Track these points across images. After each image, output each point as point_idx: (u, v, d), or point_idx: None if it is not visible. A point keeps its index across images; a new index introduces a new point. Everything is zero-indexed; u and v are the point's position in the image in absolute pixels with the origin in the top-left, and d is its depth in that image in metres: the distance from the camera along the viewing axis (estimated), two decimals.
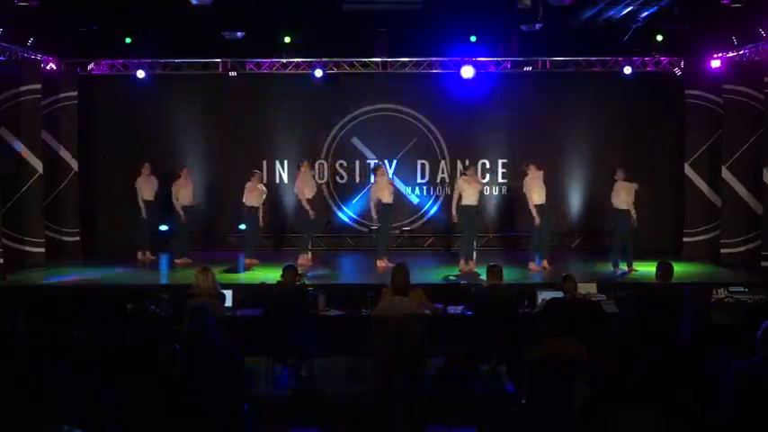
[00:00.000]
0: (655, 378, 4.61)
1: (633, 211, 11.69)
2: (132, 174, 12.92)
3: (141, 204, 12.78)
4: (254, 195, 12.44)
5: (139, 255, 12.88)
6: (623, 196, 11.68)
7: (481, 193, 12.47)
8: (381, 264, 12.04)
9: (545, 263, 11.98)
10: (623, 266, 11.70)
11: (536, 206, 11.90)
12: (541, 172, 12.06)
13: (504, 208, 14.34)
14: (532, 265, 11.92)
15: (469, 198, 11.85)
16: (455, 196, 12.00)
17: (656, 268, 8.18)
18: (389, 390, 6.92)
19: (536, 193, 11.93)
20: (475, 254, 12.06)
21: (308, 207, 12.38)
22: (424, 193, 14.45)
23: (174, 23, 12.01)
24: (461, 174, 13.04)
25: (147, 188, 12.84)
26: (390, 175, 13.85)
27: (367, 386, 7.38)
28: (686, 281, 10.32)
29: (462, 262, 11.88)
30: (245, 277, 11.54)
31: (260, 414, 5.74)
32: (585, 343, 5.51)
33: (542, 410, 5.36)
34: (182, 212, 12.54)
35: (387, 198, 12.27)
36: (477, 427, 6.09)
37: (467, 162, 13.93)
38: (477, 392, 7.67)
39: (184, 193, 12.66)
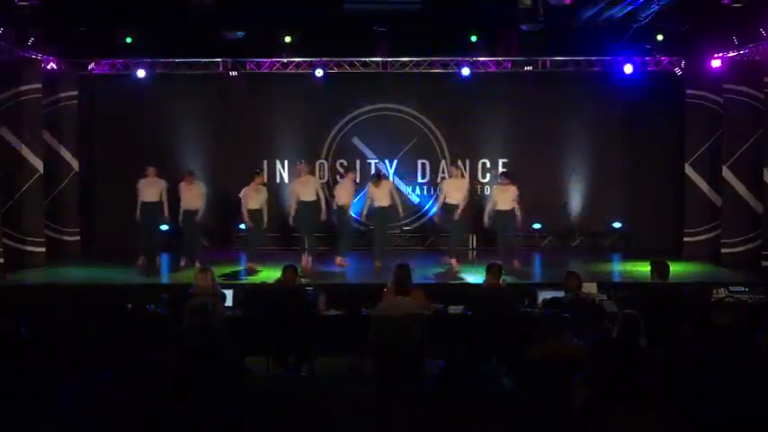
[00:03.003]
0: (655, 378, 4.61)
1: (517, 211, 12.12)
2: (133, 174, 12.76)
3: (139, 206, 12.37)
4: (254, 198, 12.27)
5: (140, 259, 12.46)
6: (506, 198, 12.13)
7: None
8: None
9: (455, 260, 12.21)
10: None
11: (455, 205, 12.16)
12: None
13: None
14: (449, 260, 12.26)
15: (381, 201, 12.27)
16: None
17: (652, 268, 8.16)
18: (389, 390, 6.91)
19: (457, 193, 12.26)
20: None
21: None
22: (425, 193, 14.45)
23: (174, 23, 12.01)
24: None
25: (147, 190, 12.34)
26: (390, 176, 13.96)
27: (367, 386, 7.37)
28: (686, 281, 10.31)
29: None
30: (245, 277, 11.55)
31: (260, 414, 5.73)
32: (585, 343, 5.50)
33: (542, 410, 5.36)
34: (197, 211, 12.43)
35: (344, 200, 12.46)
36: (477, 427, 6.08)
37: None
38: (477, 392, 7.66)
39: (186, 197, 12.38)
